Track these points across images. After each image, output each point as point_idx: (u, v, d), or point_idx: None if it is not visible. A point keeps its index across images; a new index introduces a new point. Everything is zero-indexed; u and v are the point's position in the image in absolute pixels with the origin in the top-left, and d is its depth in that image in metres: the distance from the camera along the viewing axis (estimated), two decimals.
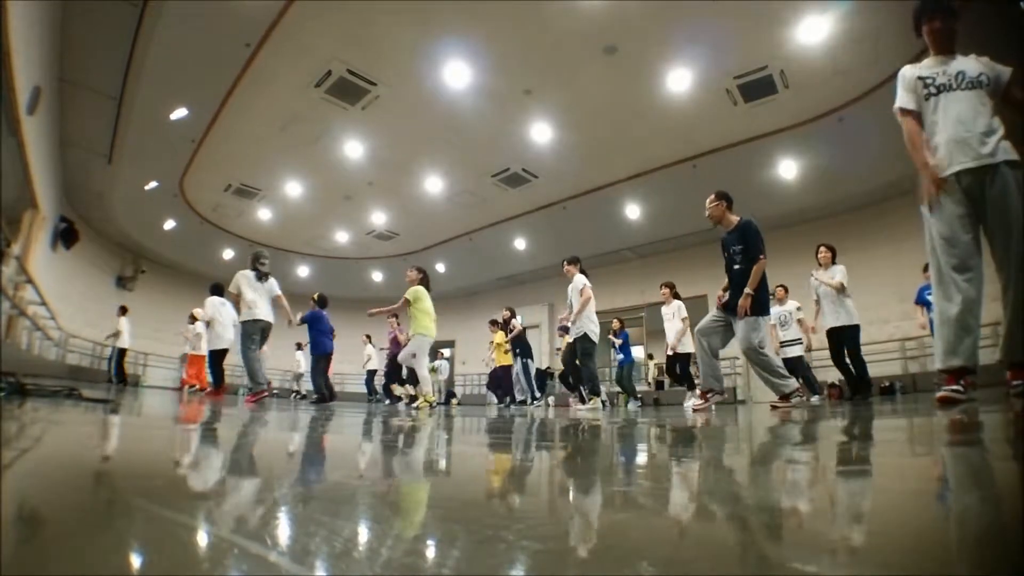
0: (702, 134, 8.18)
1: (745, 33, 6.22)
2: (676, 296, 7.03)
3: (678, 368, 6.89)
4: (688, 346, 6.64)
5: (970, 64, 2.50)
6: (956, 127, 2.41)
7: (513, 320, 8.57)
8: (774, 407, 3.90)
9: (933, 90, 2.52)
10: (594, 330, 5.73)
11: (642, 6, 5.90)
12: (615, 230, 11.02)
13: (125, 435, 1.65)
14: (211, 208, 11.59)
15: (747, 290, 3.86)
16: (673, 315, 6.92)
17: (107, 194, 10.04)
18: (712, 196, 4.21)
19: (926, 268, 6.64)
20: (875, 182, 8.53)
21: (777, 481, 0.97)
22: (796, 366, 6.76)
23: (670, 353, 6.91)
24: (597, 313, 5.86)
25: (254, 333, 5.83)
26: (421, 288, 5.83)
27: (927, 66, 2.60)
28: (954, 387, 2.29)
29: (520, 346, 8.46)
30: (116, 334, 10.07)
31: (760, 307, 3.93)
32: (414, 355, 5.81)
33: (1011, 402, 2.13)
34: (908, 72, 2.63)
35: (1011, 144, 2.37)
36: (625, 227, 10.86)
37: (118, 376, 9.97)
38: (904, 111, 2.61)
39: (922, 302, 6.44)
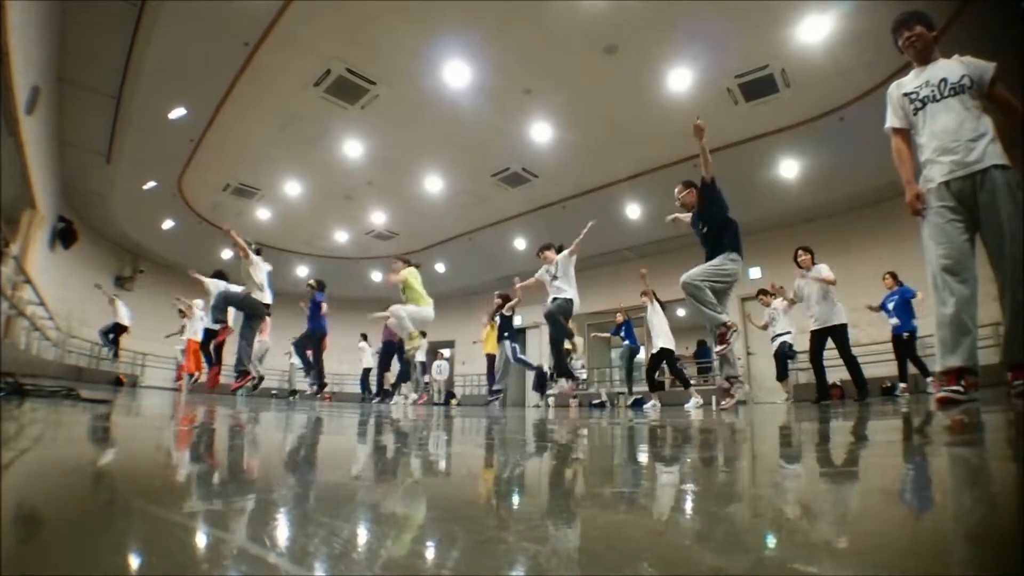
0: None
1: (746, 32, 6.22)
2: (656, 299, 7.45)
3: (666, 366, 7.06)
4: (671, 343, 7.01)
5: (952, 68, 2.52)
6: (942, 137, 2.45)
7: (507, 304, 8.45)
8: (721, 408, 4.05)
9: (919, 104, 2.57)
10: (576, 299, 5.73)
11: (642, 6, 5.90)
12: (615, 230, 11.00)
13: (124, 435, 1.65)
14: (210, 208, 11.58)
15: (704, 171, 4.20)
16: (657, 315, 7.12)
17: (106, 194, 10.03)
18: (680, 186, 4.56)
19: (885, 277, 6.94)
20: (875, 182, 8.52)
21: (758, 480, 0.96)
22: (786, 357, 7.04)
23: (655, 351, 7.06)
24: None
25: (260, 317, 5.84)
26: (412, 269, 6.00)
27: (910, 80, 2.65)
28: (954, 387, 2.30)
29: (508, 329, 8.29)
30: (115, 311, 10.17)
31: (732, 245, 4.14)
32: (405, 329, 5.80)
33: (1012, 402, 2.13)
34: (894, 91, 2.71)
35: (1002, 145, 2.38)
36: (625, 227, 10.85)
37: (113, 352, 10.03)
38: (893, 130, 2.70)
39: (884, 308, 6.71)
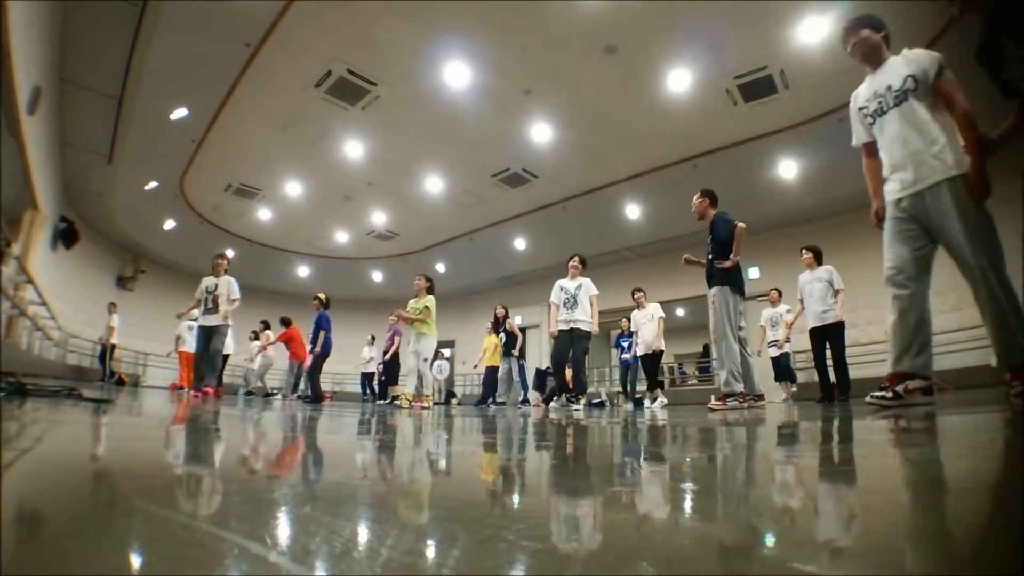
0: (702, 134, 8.17)
1: (745, 33, 6.22)
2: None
3: (651, 366, 7.14)
4: (661, 343, 7.11)
5: (897, 69, 2.46)
6: (892, 152, 2.46)
7: (509, 320, 8.56)
8: (712, 409, 4.03)
9: (870, 119, 2.57)
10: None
11: (642, 6, 5.89)
12: (615, 230, 11.01)
13: (125, 435, 1.65)
14: (211, 208, 11.59)
15: (733, 258, 4.21)
16: (652, 316, 7.12)
17: (107, 194, 10.05)
18: (698, 193, 4.64)
19: None
20: None
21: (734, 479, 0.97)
22: (784, 365, 7.22)
23: (649, 352, 7.08)
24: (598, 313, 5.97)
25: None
26: (433, 298, 6.28)
27: (864, 91, 2.65)
28: (883, 393, 2.40)
29: (513, 346, 8.43)
30: (109, 330, 10.05)
31: (735, 287, 4.29)
32: (423, 357, 6.12)
33: (1011, 402, 2.13)
34: (852, 105, 2.74)
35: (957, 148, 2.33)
36: (625, 227, 10.85)
37: (108, 374, 9.92)
38: (862, 146, 2.75)
39: None
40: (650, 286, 7.67)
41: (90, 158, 8.75)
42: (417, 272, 6.73)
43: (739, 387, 4.08)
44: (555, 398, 5.91)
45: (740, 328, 4.27)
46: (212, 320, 6.11)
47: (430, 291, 6.33)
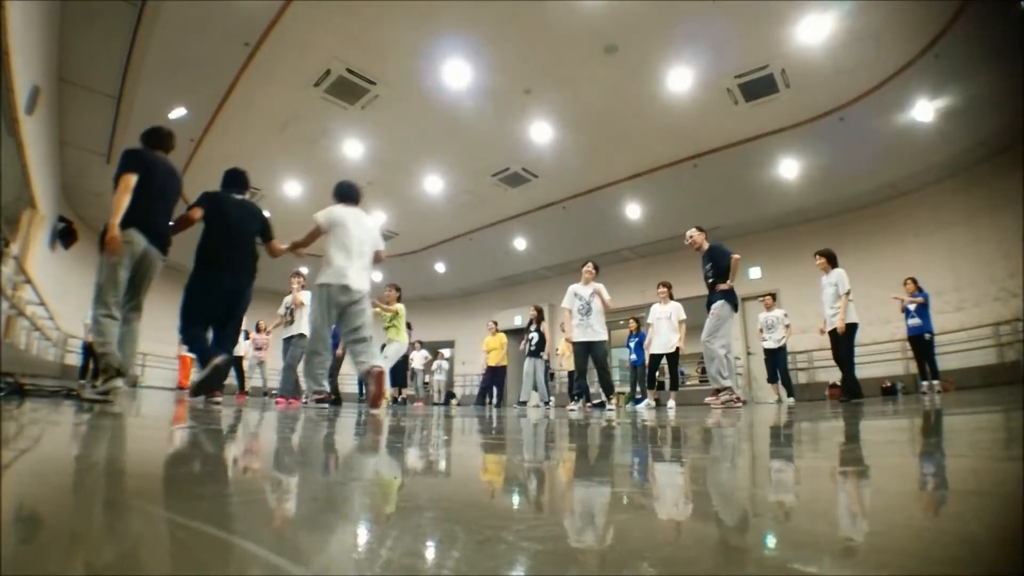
0: (702, 134, 8.17)
1: (746, 32, 6.22)
2: (671, 297, 7.27)
3: (667, 368, 7.12)
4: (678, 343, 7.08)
5: None
6: None
7: (544, 323, 8.50)
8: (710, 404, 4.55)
9: None
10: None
11: (642, 6, 5.89)
12: (615, 230, 11.01)
13: (125, 435, 1.65)
14: None
15: (729, 282, 5.01)
16: (670, 315, 7.06)
17: (106, 194, 9.94)
18: (694, 229, 5.52)
19: (907, 282, 7.36)
20: (875, 182, 8.52)
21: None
22: (777, 360, 7.63)
23: (668, 351, 7.01)
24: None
25: None
26: (402, 306, 6.86)
27: None
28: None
29: (543, 348, 8.44)
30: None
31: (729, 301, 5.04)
32: (390, 361, 6.53)
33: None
34: None
35: None
36: (625, 227, 10.85)
37: (88, 370, 9.70)
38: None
39: (907, 311, 7.12)
40: (650, 286, 7.67)
41: (89, 158, 8.74)
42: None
43: (728, 382, 4.46)
44: (577, 400, 6.07)
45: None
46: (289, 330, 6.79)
47: (399, 300, 6.80)
